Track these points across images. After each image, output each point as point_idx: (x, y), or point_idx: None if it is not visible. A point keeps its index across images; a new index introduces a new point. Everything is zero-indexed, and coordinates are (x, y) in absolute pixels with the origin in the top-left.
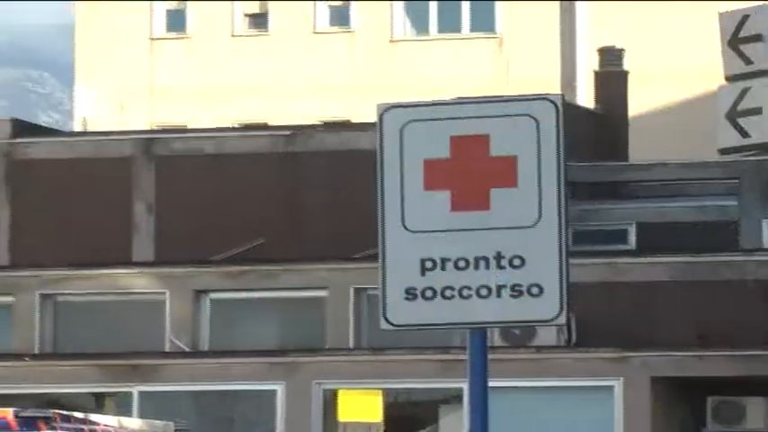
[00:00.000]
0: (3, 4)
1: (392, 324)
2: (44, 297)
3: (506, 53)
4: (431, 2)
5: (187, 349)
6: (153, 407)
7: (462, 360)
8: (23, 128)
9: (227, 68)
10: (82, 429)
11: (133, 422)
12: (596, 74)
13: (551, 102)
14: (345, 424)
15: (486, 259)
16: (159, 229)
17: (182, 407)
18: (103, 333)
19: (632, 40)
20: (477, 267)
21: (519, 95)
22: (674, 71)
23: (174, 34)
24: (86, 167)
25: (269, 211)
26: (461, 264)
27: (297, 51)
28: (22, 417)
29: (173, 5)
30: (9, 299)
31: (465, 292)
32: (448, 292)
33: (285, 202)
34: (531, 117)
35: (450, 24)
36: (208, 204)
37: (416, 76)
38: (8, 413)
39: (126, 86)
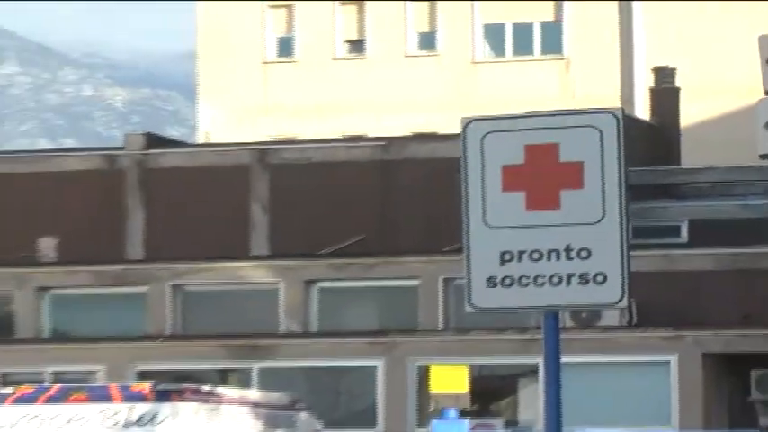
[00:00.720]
0: (135, 34)
1: (476, 307)
2: (174, 287)
3: (572, 73)
4: (507, 28)
5: (296, 328)
6: (270, 381)
7: (538, 339)
8: (154, 141)
9: (330, 88)
10: (209, 400)
11: (253, 394)
12: (652, 91)
13: (612, 115)
14: (436, 395)
15: (557, 251)
16: (273, 228)
17: (295, 381)
18: (226, 318)
19: (684, 59)
20: (549, 259)
21: (584, 109)
22: (721, 87)
23: (283, 58)
24: (209, 174)
25: (367, 211)
26: (535, 255)
27: (390, 73)
28: (158, 390)
29: (282, 33)
30: (144, 288)
31: (539, 280)
32: (524, 280)
33: (381, 203)
34: (595, 128)
35: (523, 48)
36: (315, 206)
37: (494, 93)
38: (145, 386)
39: (242, 104)
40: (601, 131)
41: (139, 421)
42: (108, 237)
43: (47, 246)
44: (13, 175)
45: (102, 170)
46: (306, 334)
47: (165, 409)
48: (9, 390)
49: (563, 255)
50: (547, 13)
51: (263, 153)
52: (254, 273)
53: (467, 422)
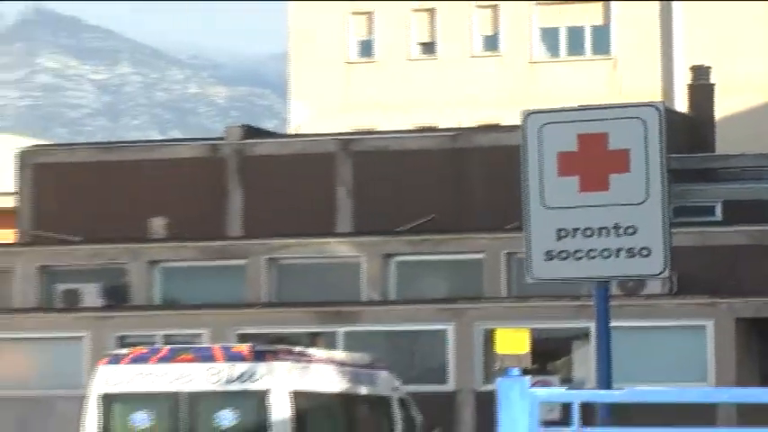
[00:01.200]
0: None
1: (535, 278)
2: (269, 260)
3: (619, 71)
4: (561, 31)
5: (377, 296)
6: (353, 344)
7: (589, 306)
8: (251, 132)
9: (405, 85)
10: (300, 360)
11: (338, 355)
12: (689, 86)
13: (655, 108)
14: (501, 355)
15: (607, 228)
16: (355, 208)
17: (375, 343)
18: (314, 287)
19: (719, 58)
20: (599, 235)
21: (630, 103)
22: (751, 83)
23: (364, 59)
24: (299, 161)
25: (439, 193)
26: (588, 232)
27: (457, 71)
28: (255, 351)
29: (363, 37)
30: (242, 262)
31: (591, 254)
32: (578, 254)
33: (451, 186)
34: (640, 119)
35: (575, 48)
36: (392, 189)
37: (549, 90)
38: (244, 348)
39: (328, 99)
40: (645, 122)
41: (239, 378)
42: (211, 216)
43: (158, 224)
44: (128, 162)
45: (206, 158)
46: (384, 302)
47: (262, 367)
48: (125, 351)
49: (612, 231)
50: (596, 17)
51: (346, 142)
52: (339, 248)
53: (528, 379)
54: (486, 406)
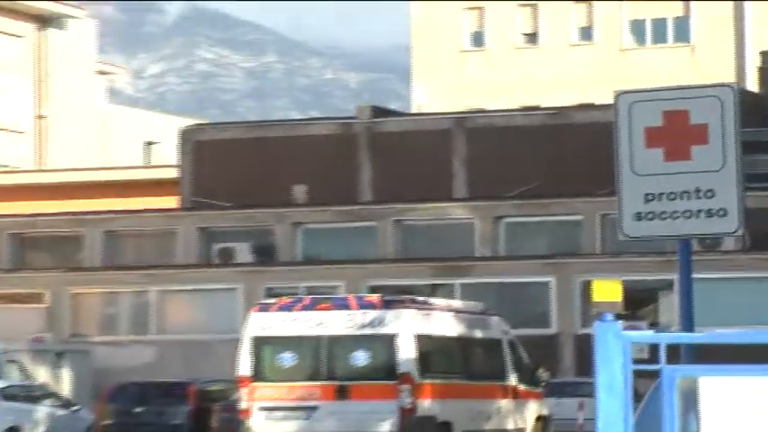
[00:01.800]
0: (364, 29)
1: (626, 236)
2: (396, 222)
3: (697, 56)
4: (647, 23)
5: (488, 253)
6: (468, 294)
7: (673, 260)
8: (379, 111)
9: (511, 70)
10: (422, 308)
11: (455, 303)
12: (759, 69)
13: (730, 88)
14: (597, 303)
15: (689, 192)
16: (469, 176)
17: (487, 293)
18: (434, 245)
19: None
20: (682, 198)
21: (708, 84)
22: None
23: (475, 48)
24: (420, 136)
25: (541, 164)
26: (672, 196)
27: (557, 58)
28: (384, 300)
29: (475, 29)
30: (373, 223)
31: (675, 215)
32: (663, 215)
33: (552, 157)
34: (717, 98)
35: (659, 38)
36: (501, 159)
37: (637, 73)
38: (375, 298)
39: (445, 83)
40: (721, 100)
41: (371, 324)
42: (345, 184)
43: (299, 191)
44: (273, 138)
45: (340, 134)
46: (495, 257)
47: (390, 314)
48: (273, 300)
49: (693, 195)
50: (677, 10)
51: (460, 120)
52: (456, 211)
53: (620, 324)
54: (584, 347)
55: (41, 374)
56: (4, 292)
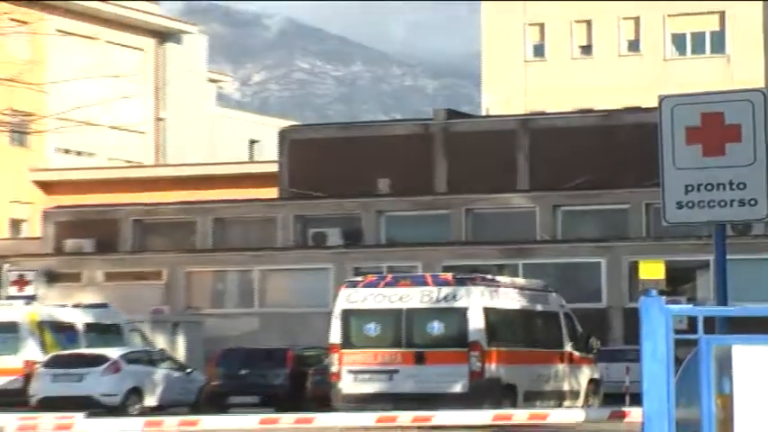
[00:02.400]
0: (441, 42)
1: (669, 222)
2: (467, 210)
3: (732, 65)
4: (687, 36)
5: (548, 237)
6: (530, 273)
7: (709, 243)
8: (453, 114)
9: (568, 78)
10: (490, 285)
11: (519, 281)
12: None
13: (761, 92)
14: (643, 280)
15: (724, 184)
16: (531, 170)
17: (546, 272)
18: (500, 230)
19: None
20: (718, 189)
21: (741, 89)
22: None
23: (537, 59)
24: (488, 135)
25: (594, 159)
26: (709, 187)
27: (608, 67)
28: (457, 278)
29: (537, 41)
30: (447, 211)
31: (711, 204)
32: (701, 204)
33: (603, 153)
34: (749, 101)
35: (698, 49)
36: (559, 156)
37: (679, 80)
38: (449, 276)
39: (510, 89)
40: (753, 103)
41: (445, 298)
42: (422, 177)
43: (383, 184)
44: (361, 137)
45: (419, 134)
46: (553, 241)
47: (462, 290)
48: (360, 278)
49: (727, 186)
50: (714, 24)
51: (524, 121)
52: (519, 201)
53: (663, 298)
54: (631, 319)
55: (160, 341)
56: (129, 271)
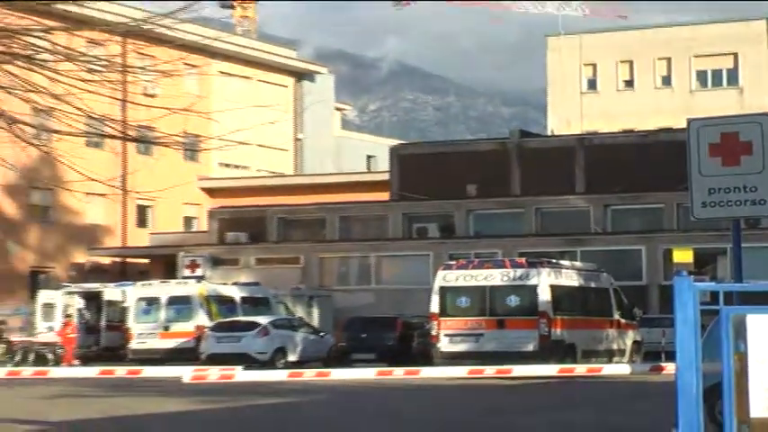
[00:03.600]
0: (515, 78)
1: (697, 218)
2: (536, 209)
3: (745, 95)
4: (708, 72)
5: (599, 230)
6: (586, 258)
7: (727, 234)
8: (524, 133)
9: (615, 106)
10: (554, 267)
11: (577, 264)
12: None
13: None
14: (676, 263)
15: (739, 188)
16: (587, 178)
17: (598, 257)
18: (562, 225)
19: None
20: (735, 192)
21: (752, 113)
22: None
23: (590, 91)
24: (553, 151)
25: (636, 168)
26: (727, 190)
27: (647, 97)
28: (529, 261)
29: (590, 77)
30: (521, 210)
31: (729, 203)
32: (721, 203)
33: (643, 164)
34: (759, 123)
35: (717, 82)
36: (608, 166)
37: (702, 107)
38: (522, 260)
39: (569, 114)
40: (761, 125)
41: (519, 278)
42: (501, 183)
43: (471, 188)
44: (453, 152)
45: (498, 149)
46: (604, 233)
47: (533, 271)
48: (453, 262)
49: (742, 189)
50: (729, 63)
51: (580, 139)
52: (576, 201)
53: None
54: (665, 293)
55: (299, 311)
56: (274, 257)
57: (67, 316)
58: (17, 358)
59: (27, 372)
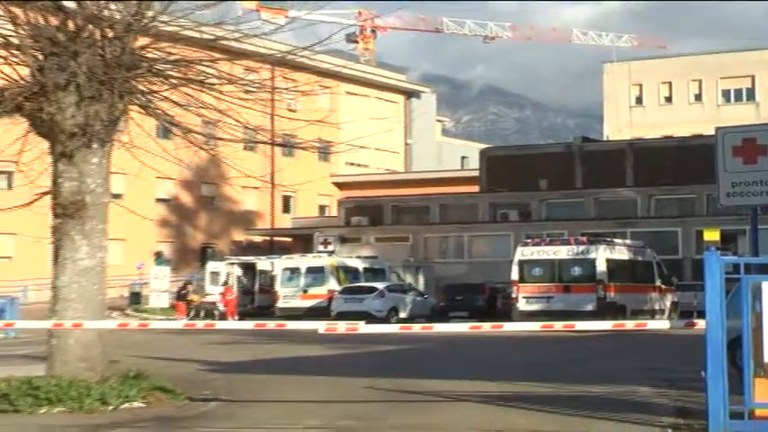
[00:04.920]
0: (577, 93)
1: (722, 206)
2: (595, 199)
3: (761, 108)
4: (731, 91)
5: (645, 215)
6: (634, 237)
7: (745, 218)
8: (586, 139)
9: (658, 116)
10: (609, 244)
11: (626, 241)
12: None
13: None
14: (706, 241)
15: (756, 182)
16: (635, 174)
17: (644, 237)
18: (614, 211)
19: None
20: (752, 185)
21: (767, 123)
22: None
23: (637, 105)
24: (608, 153)
25: (675, 166)
26: (747, 183)
27: (682, 111)
28: (589, 239)
29: (636, 94)
30: (581, 199)
31: (749, 193)
32: (743, 193)
33: (680, 163)
34: None
35: (739, 98)
36: (653, 165)
37: (728, 118)
38: (584, 238)
39: (621, 123)
40: None
41: (582, 252)
42: (567, 178)
43: (543, 183)
44: (530, 154)
45: (564, 152)
46: (648, 217)
47: (592, 247)
48: (529, 240)
49: (760, 183)
50: (747, 83)
51: (630, 143)
52: (626, 193)
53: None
54: (698, 265)
55: (408, 279)
56: (389, 236)
57: (225, 283)
58: (191, 314)
59: (199, 324)
